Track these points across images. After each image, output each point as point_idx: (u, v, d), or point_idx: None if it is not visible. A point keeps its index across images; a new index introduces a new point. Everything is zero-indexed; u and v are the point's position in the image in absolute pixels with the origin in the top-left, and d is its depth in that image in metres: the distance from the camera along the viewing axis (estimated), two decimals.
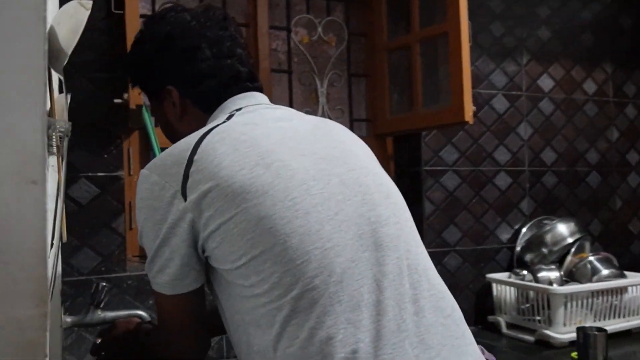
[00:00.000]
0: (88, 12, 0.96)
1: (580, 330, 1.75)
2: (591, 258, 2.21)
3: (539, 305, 2.01)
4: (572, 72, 2.52)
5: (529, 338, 2.03)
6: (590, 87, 2.57)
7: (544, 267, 2.15)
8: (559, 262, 2.23)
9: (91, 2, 0.98)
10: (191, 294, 1.03)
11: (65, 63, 0.96)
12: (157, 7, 1.99)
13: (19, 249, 0.73)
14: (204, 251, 0.99)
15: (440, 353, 0.95)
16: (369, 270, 0.95)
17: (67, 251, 1.74)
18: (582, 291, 2.00)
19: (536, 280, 2.09)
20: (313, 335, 0.89)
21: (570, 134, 2.51)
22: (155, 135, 1.83)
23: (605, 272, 2.16)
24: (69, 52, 0.95)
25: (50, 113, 0.94)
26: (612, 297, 2.05)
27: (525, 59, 2.42)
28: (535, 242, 2.28)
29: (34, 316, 0.74)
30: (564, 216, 2.39)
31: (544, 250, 2.25)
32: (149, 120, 1.82)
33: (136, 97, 1.70)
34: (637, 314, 2.11)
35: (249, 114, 1.10)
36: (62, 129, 0.96)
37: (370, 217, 0.99)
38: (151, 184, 0.99)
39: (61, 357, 1.48)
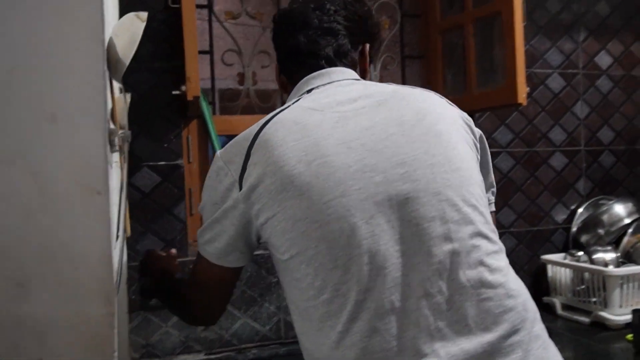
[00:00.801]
0: (144, 24, 1.02)
1: (636, 312, 1.73)
2: None
3: (595, 286, 2.00)
4: (632, 47, 2.44)
5: (584, 319, 2.02)
6: None
7: (599, 248, 2.12)
8: (616, 243, 2.20)
9: (146, 14, 1.03)
10: (230, 270, 1.09)
11: (123, 72, 1.02)
12: None
13: (86, 255, 0.80)
14: (260, 237, 1.04)
15: None
16: (405, 276, 0.93)
17: (132, 237, 1.82)
18: (638, 272, 1.97)
19: (591, 261, 2.07)
20: (340, 340, 0.92)
21: (629, 111, 2.44)
22: (213, 123, 1.88)
23: None
24: (127, 62, 1.00)
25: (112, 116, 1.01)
26: None
27: (583, 36, 2.36)
28: (591, 223, 2.25)
29: (102, 315, 0.82)
30: (623, 196, 2.34)
31: (600, 231, 2.22)
32: (206, 108, 1.87)
33: (193, 88, 1.73)
34: None
35: (316, 95, 1.09)
36: (122, 135, 1.03)
37: (411, 219, 0.95)
38: (218, 167, 1.05)
39: (128, 339, 1.58)
